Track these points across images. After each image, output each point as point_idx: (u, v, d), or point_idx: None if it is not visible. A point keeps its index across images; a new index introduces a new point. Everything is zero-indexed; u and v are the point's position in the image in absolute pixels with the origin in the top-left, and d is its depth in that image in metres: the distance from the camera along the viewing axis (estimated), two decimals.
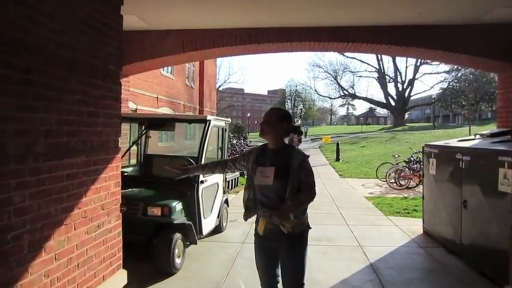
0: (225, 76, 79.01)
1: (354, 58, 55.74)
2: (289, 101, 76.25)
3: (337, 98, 60.82)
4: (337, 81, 56.34)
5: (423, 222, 6.21)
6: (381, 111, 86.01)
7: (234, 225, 6.64)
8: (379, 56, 52.77)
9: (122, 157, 5.67)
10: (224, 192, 6.22)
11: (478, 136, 5.58)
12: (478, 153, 4.44)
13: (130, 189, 4.67)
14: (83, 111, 2.94)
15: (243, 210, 2.70)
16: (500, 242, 3.89)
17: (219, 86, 63.25)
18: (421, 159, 12.66)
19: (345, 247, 5.50)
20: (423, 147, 6.16)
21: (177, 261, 4.40)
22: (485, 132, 5.67)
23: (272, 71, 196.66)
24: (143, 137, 6.12)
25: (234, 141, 24.21)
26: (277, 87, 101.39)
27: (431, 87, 53.92)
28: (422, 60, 50.87)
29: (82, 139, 2.93)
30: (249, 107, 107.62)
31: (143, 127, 5.56)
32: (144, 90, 18.72)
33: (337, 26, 5.65)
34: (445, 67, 50.47)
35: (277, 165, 2.50)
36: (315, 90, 66.18)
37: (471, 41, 5.52)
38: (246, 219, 2.71)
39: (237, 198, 9.55)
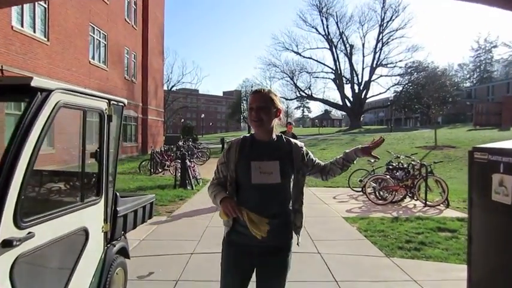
0: (178, 76, 74.90)
1: (310, 58, 54.39)
2: (244, 102, 73.68)
3: (294, 99, 59.16)
4: (294, 82, 54.62)
5: (469, 281, 3.59)
6: (336, 114, 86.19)
7: None
8: (335, 55, 51.85)
9: None
10: (113, 239, 3.22)
11: None
12: None
13: None
14: None
15: None
16: None
17: (172, 86, 59.45)
18: (404, 165, 10.52)
19: None
20: (471, 153, 3.50)
21: None
22: None
23: (228, 72, 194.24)
24: None
25: (181, 143, 21.00)
26: (233, 88, 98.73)
27: (387, 89, 53.81)
28: (378, 62, 50.75)
29: None
30: (204, 108, 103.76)
31: None
32: (66, 81, 15.06)
33: None
34: (400, 70, 50.69)
35: (279, 159, 2.07)
36: None
37: None
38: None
39: (169, 227, 6.23)
